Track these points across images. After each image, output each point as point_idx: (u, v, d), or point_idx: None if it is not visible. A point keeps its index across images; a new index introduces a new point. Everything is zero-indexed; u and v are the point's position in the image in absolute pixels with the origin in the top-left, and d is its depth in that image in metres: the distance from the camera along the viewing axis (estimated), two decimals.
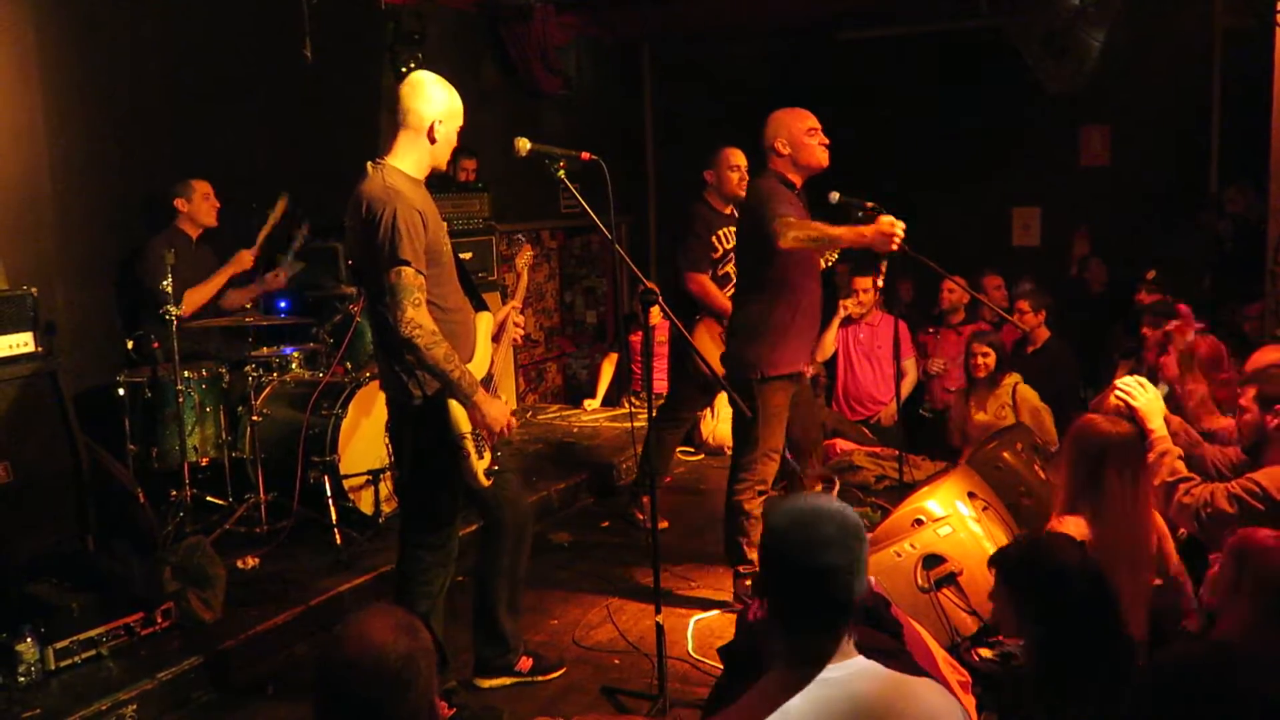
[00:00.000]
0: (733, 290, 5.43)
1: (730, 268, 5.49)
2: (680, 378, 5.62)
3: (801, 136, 4.43)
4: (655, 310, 3.54)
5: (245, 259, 5.51)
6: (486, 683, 3.84)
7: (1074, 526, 3.21)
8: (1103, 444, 3.24)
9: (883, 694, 1.94)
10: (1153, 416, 3.51)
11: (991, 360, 5.92)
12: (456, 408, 3.39)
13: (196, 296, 5.27)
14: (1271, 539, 2.64)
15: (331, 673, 1.82)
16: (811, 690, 1.91)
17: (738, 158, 5.41)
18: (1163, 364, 4.88)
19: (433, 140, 3.44)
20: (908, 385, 7.01)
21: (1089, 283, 8.24)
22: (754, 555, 4.47)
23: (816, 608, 1.96)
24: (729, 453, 6.80)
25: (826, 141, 4.43)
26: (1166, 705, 2.05)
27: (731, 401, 4.04)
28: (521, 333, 4.26)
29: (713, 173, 5.48)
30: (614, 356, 7.94)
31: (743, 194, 5.46)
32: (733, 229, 5.50)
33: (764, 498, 4.49)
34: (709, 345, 5.39)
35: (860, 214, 5.20)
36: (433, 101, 3.43)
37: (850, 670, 1.95)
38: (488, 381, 3.56)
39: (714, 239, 5.47)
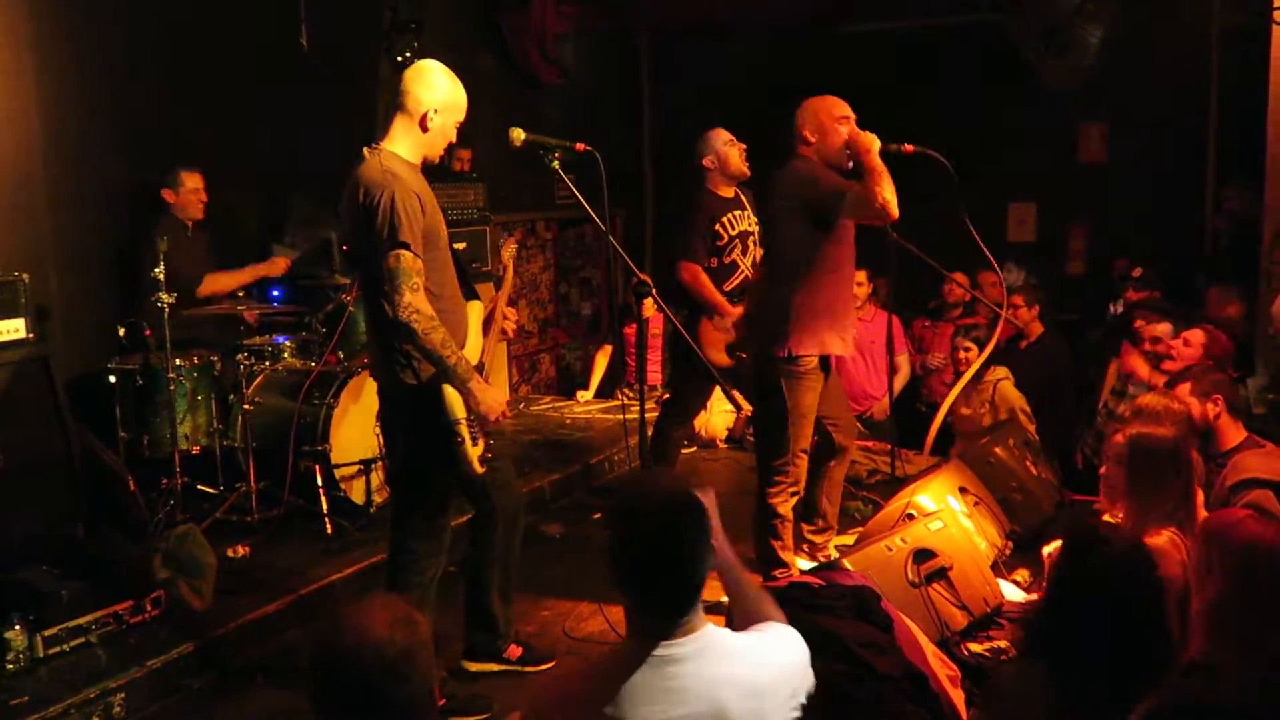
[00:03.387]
0: (737, 281, 5.28)
1: (737, 255, 5.30)
2: (683, 372, 5.51)
3: (831, 124, 4.34)
4: (648, 303, 3.53)
5: (279, 265, 5.52)
6: (474, 666, 3.84)
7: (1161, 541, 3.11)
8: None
9: (723, 660, 1.99)
10: None
11: (973, 355, 5.88)
12: (452, 393, 3.37)
13: (220, 283, 5.27)
14: (1238, 516, 2.66)
15: (329, 666, 1.82)
16: (654, 663, 1.97)
17: (729, 134, 5.22)
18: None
19: (425, 129, 3.40)
20: (900, 380, 7.01)
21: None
22: (788, 558, 4.38)
23: (669, 593, 2.00)
24: (721, 445, 6.85)
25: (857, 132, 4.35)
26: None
27: (728, 397, 4.01)
28: (512, 325, 4.21)
29: (711, 158, 5.25)
30: (608, 348, 7.93)
31: (747, 170, 5.23)
32: (740, 212, 5.25)
33: (796, 498, 4.36)
34: (714, 337, 5.28)
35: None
36: (433, 89, 3.39)
37: (695, 644, 1.99)
38: (479, 370, 3.55)
39: (717, 227, 5.24)
